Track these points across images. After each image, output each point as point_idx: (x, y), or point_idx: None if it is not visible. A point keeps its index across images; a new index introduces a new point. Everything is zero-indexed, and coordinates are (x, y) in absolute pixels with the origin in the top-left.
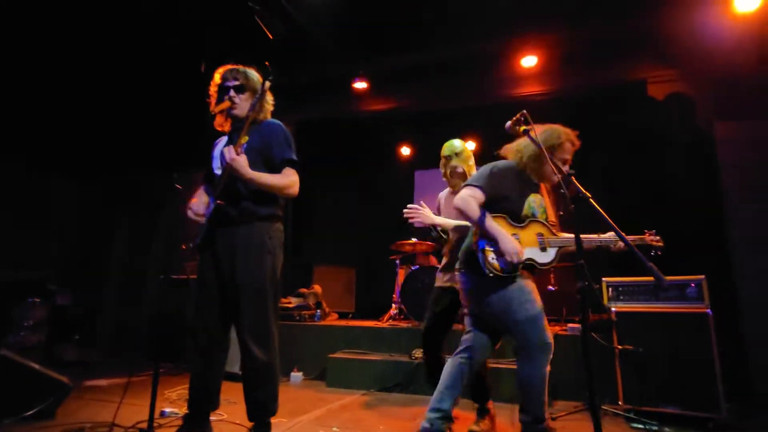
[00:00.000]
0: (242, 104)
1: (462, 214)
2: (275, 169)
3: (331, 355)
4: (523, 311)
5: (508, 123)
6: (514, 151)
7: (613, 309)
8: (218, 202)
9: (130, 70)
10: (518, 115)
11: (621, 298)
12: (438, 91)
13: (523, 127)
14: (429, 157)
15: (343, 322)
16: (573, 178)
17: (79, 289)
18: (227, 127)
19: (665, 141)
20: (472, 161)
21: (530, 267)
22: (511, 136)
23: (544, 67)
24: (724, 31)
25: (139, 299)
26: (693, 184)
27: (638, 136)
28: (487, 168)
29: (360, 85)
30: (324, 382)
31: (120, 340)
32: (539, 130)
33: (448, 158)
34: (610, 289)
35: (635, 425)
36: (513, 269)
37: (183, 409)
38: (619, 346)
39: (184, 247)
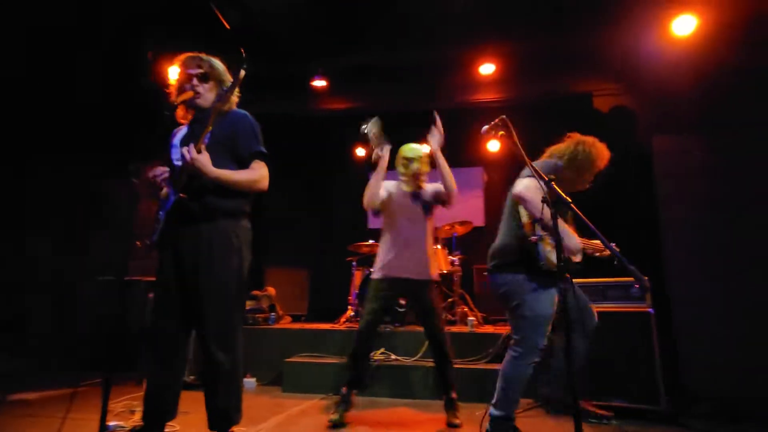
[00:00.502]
0: (206, 94)
1: (525, 203)
2: (243, 163)
3: (287, 360)
4: (542, 308)
5: (486, 127)
6: (564, 153)
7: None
8: (180, 195)
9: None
10: (497, 120)
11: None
12: (397, 93)
13: (501, 132)
14: None
15: (298, 325)
16: (554, 184)
17: (5, 293)
18: (189, 116)
19: (608, 151)
20: (427, 165)
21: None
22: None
23: (501, 75)
24: (663, 51)
25: (72, 304)
26: (633, 192)
27: None
28: (551, 163)
29: (319, 83)
30: (279, 387)
31: (50, 349)
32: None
33: (410, 160)
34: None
35: (591, 420)
36: (567, 267)
37: (130, 422)
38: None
39: (138, 244)
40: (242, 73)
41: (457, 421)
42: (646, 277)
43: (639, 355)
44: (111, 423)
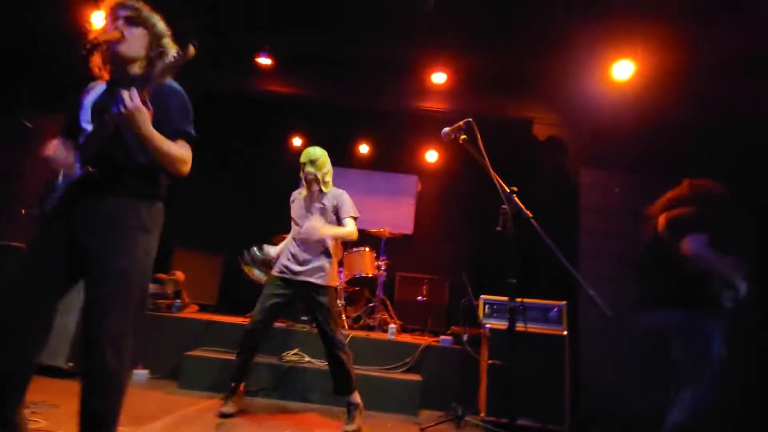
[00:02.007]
0: (132, 42)
1: None
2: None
3: (186, 353)
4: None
5: (446, 129)
6: None
7: (487, 326)
8: (89, 168)
9: None
10: (461, 123)
11: (495, 315)
12: (344, 86)
13: (463, 137)
14: None
15: (204, 316)
16: (515, 196)
17: None
18: (106, 74)
19: (539, 177)
20: (327, 168)
21: None
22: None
23: (451, 86)
24: (601, 91)
25: None
26: (559, 219)
27: (519, 168)
28: None
29: (264, 60)
30: (175, 382)
31: None
32: None
33: (304, 164)
34: (486, 306)
35: None
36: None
37: None
38: (489, 361)
39: (23, 212)
40: (192, 49)
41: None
42: (564, 302)
43: (550, 376)
44: None
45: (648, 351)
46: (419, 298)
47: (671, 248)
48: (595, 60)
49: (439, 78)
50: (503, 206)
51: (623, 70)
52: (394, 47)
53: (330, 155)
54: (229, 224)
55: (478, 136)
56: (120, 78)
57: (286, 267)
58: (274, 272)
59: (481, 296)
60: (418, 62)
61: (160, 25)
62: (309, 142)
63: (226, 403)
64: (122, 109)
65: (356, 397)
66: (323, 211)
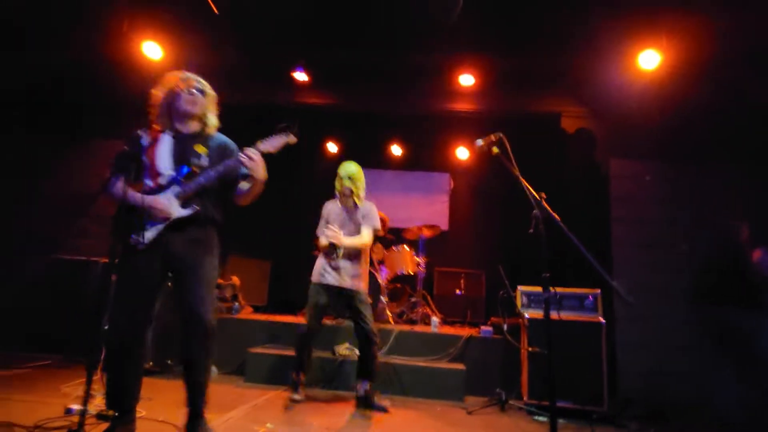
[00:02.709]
0: (199, 104)
1: None
2: (231, 183)
3: (250, 350)
4: None
5: (481, 142)
6: None
7: (526, 315)
8: (196, 209)
9: None
10: (493, 137)
11: (531, 305)
12: (375, 94)
13: (496, 149)
14: (354, 155)
15: (261, 316)
16: (544, 202)
17: None
18: (162, 128)
19: (572, 169)
20: (361, 185)
21: None
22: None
23: (478, 87)
24: (628, 81)
25: (9, 281)
26: (591, 210)
27: (551, 161)
28: None
29: (300, 75)
30: (241, 377)
31: None
32: None
33: (342, 178)
34: (523, 297)
35: (537, 417)
36: None
37: (90, 406)
38: (528, 348)
39: (132, 242)
40: (292, 138)
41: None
42: (599, 290)
43: (589, 362)
44: (73, 406)
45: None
46: (458, 291)
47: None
48: (622, 51)
49: (466, 80)
50: (534, 211)
51: (649, 59)
52: (421, 54)
53: (364, 158)
54: (275, 231)
55: (509, 148)
56: (181, 134)
57: (325, 274)
58: (315, 279)
59: (518, 287)
60: (445, 66)
61: (214, 95)
62: (344, 148)
63: (294, 391)
64: (248, 160)
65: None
66: (356, 223)
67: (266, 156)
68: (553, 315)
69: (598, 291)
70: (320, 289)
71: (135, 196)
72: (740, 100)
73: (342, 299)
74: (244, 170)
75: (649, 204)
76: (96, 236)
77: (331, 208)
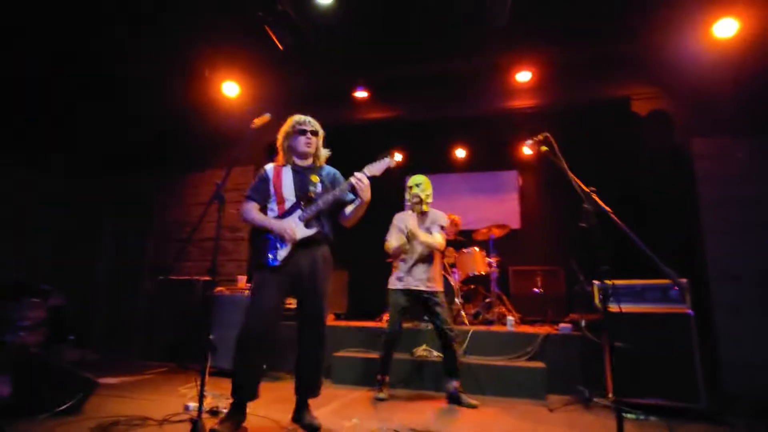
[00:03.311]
0: (314, 145)
1: None
2: (339, 206)
3: (335, 354)
4: None
5: (530, 141)
6: None
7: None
8: (318, 229)
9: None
10: (540, 136)
11: (611, 299)
12: (433, 101)
13: (544, 147)
14: (420, 163)
15: (343, 323)
16: (594, 195)
17: (66, 289)
18: (284, 162)
19: (647, 154)
20: (429, 194)
21: None
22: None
23: (537, 82)
24: (703, 54)
25: (128, 300)
26: (672, 195)
27: (623, 148)
28: None
29: (360, 94)
30: (329, 379)
31: (111, 341)
32: None
33: (410, 187)
34: (600, 291)
35: (625, 415)
36: None
37: (206, 405)
38: (612, 344)
39: (268, 260)
40: (391, 161)
41: (474, 402)
42: (684, 279)
43: (678, 355)
44: (190, 404)
45: None
46: (535, 290)
47: None
48: (694, 21)
49: (524, 77)
50: (584, 205)
51: (726, 28)
52: (476, 56)
53: (429, 164)
54: (350, 243)
55: (555, 146)
56: (300, 165)
57: (401, 280)
58: (393, 286)
59: (594, 281)
60: (501, 65)
61: (322, 135)
62: (409, 156)
63: (379, 391)
64: (360, 184)
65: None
66: (426, 228)
67: (341, 169)
68: (632, 308)
69: (684, 281)
70: (399, 294)
71: (269, 221)
72: None
73: (419, 302)
74: (350, 195)
75: (741, 183)
76: (196, 259)
77: (402, 217)
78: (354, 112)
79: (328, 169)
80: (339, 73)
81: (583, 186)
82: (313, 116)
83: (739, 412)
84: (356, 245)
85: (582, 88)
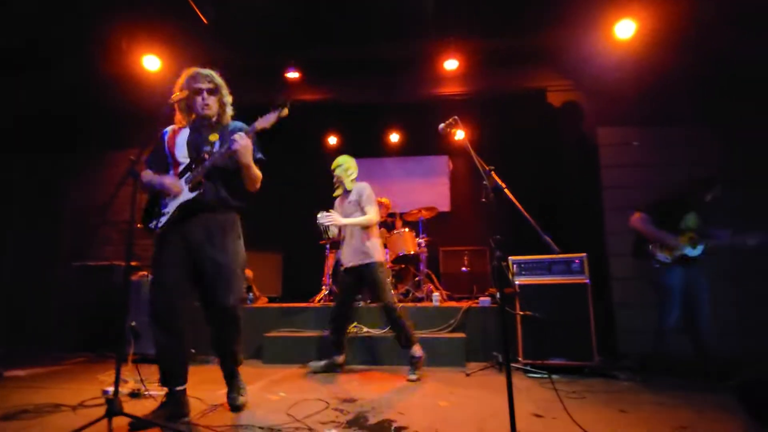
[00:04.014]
0: (213, 105)
1: None
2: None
3: (266, 334)
4: None
5: (441, 125)
6: None
7: (517, 282)
8: (200, 191)
9: None
10: (450, 120)
11: (523, 273)
12: (366, 85)
13: (454, 130)
14: (354, 147)
15: (275, 304)
16: (493, 173)
17: None
18: (184, 122)
19: (561, 142)
20: (351, 172)
21: None
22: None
23: (464, 70)
24: (608, 51)
25: (40, 289)
26: (582, 178)
27: (541, 135)
28: None
29: (292, 74)
30: (259, 360)
31: (20, 334)
32: None
33: (333, 170)
34: (515, 266)
35: (531, 375)
36: None
37: (123, 387)
38: (521, 312)
39: (140, 226)
40: (285, 111)
41: (413, 377)
42: (584, 253)
43: (577, 321)
44: (108, 389)
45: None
46: (463, 269)
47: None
48: (599, 22)
49: (451, 65)
50: (484, 182)
51: (625, 28)
52: (407, 42)
53: (364, 148)
54: (284, 225)
55: (463, 128)
56: (200, 124)
57: (341, 257)
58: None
59: (510, 258)
60: (431, 53)
61: (222, 83)
62: (344, 140)
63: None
64: (237, 146)
65: (417, 350)
66: (351, 205)
67: (274, 153)
68: (541, 280)
69: (584, 255)
70: (339, 275)
71: (152, 178)
72: (711, 63)
73: (354, 277)
74: (257, 155)
75: (637, 168)
76: (117, 243)
77: (336, 201)
78: (286, 93)
79: (235, 126)
80: (269, 52)
81: (484, 165)
82: (243, 95)
83: (624, 367)
84: (290, 228)
85: (505, 78)
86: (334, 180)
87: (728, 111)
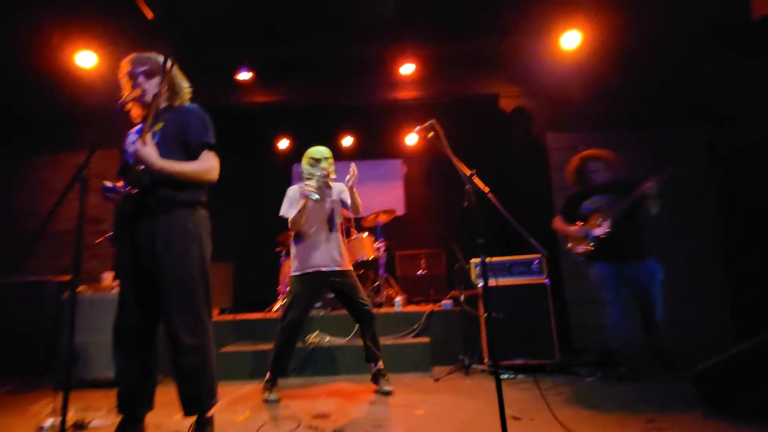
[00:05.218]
0: (152, 89)
1: None
2: (192, 154)
3: (221, 350)
4: None
5: (417, 128)
6: None
7: (479, 284)
8: (128, 189)
9: None
10: (427, 124)
11: (489, 274)
12: (320, 87)
13: (431, 134)
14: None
15: (229, 317)
16: (475, 177)
17: None
18: (142, 116)
19: (513, 146)
20: (333, 168)
21: None
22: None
23: (420, 75)
24: (556, 59)
25: None
26: (534, 181)
27: (494, 139)
28: None
29: (244, 75)
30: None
31: None
32: None
33: (319, 161)
34: (477, 267)
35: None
36: None
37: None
38: (484, 314)
39: (98, 241)
40: (168, 65)
41: (388, 388)
42: (541, 254)
43: (539, 320)
44: (45, 423)
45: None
46: (419, 272)
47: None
48: (547, 32)
49: (407, 69)
50: (466, 186)
51: (571, 39)
52: (363, 46)
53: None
54: (234, 233)
55: (441, 133)
56: (149, 114)
57: (305, 261)
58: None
59: (471, 260)
60: (387, 57)
61: (173, 71)
62: (296, 143)
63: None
64: (132, 151)
65: (381, 363)
66: (333, 204)
67: (221, 157)
68: (502, 281)
69: (543, 255)
70: (301, 279)
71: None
72: (647, 75)
73: (326, 282)
74: (208, 139)
75: None
76: (47, 255)
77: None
78: (236, 94)
79: (184, 110)
80: (218, 51)
81: (465, 169)
82: (192, 94)
83: (583, 363)
84: (240, 235)
85: (460, 83)
86: (320, 171)
87: (659, 118)
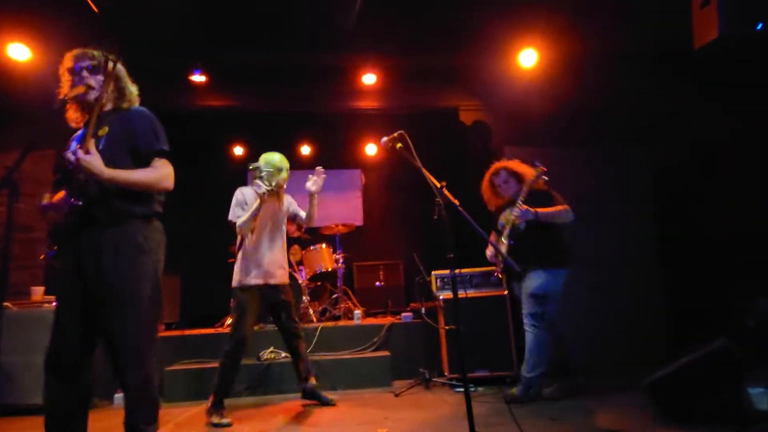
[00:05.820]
0: (96, 88)
1: None
2: (143, 162)
3: (167, 368)
4: None
5: (385, 139)
6: None
7: (441, 297)
8: (72, 201)
9: None
10: (396, 134)
11: (446, 287)
12: (279, 94)
13: (399, 144)
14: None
15: (176, 332)
16: (444, 189)
17: None
18: (81, 121)
19: (470, 158)
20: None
21: None
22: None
23: (381, 85)
24: (513, 77)
25: None
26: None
27: (453, 152)
28: None
29: (198, 78)
30: (160, 398)
31: None
32: None
33: (280, 170)
34: (437, 280)
35: (459, 390)
36: None
37: None
38: (445, 327)
39: (42, 257)
40: (111, 65)
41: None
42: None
43: (497, 332)
44: None
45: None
46: (377, 283)
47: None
48: (505, 49)
49: (369, 79)
50: (437, 199)
51: (528, 57)
52: (324, 54)
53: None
54: (181, 245)
55: (410, 144)
56: (92, 117)
57: (250, 273)
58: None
59: (433, 272)
60: (348, 66)
61: (119, 71)
62: (251, 150)
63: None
64: (74, 161)
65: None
66: (284, 215)
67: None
68: (462, 293)
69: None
70: (246, 292)
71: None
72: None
73: (269, 297)
74: (160, 145)
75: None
76: None
77: (251, 193)
78: (189, 97)
79: (132, 113)
80: (171, 51)
81: (435, 181)
82: (139, 96)
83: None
84: (187, 247)
85: (421, 95)
86: (275, 183)
87: (609, 136)
